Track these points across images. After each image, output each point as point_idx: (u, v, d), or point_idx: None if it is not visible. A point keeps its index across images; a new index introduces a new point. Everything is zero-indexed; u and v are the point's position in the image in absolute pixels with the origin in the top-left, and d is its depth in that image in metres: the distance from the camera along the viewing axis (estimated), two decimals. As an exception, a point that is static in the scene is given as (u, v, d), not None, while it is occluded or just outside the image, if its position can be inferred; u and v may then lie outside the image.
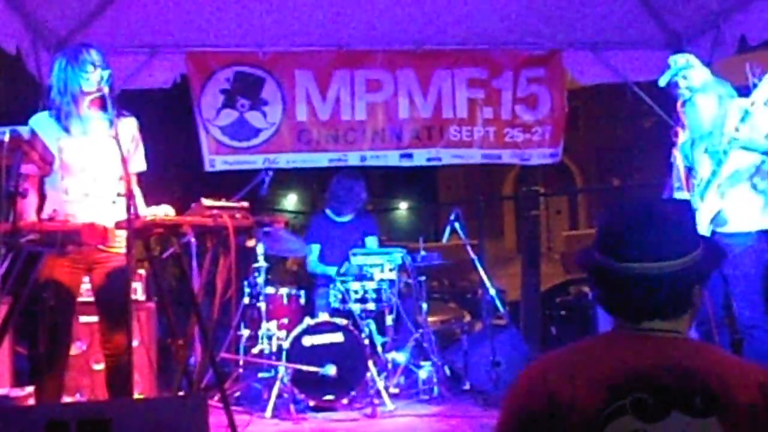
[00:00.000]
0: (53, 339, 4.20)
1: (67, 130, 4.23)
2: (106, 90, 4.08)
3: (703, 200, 4.57)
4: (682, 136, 4.70)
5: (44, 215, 4.08)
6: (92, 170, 4.24)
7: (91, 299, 4.45)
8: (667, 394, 1.76)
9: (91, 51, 4.21)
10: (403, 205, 31.47)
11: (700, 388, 1.76)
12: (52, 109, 4.26)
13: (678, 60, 4.79)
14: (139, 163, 4.51)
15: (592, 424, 1.77)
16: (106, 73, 4.11)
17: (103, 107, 4.24)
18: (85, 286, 4.43)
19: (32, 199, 4.14)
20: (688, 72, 4.72)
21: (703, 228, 4.55)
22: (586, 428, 1.77)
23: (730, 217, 4.54)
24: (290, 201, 30.15)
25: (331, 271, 6.76)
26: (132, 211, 3.68)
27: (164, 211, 4.10)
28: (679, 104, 4.72)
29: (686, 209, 2.02)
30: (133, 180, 4.21)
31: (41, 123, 4.24)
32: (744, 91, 4.58)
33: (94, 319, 4.87)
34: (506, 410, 1.94)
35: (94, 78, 4.15)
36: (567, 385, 1.81)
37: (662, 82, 4.89)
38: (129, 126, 4.40)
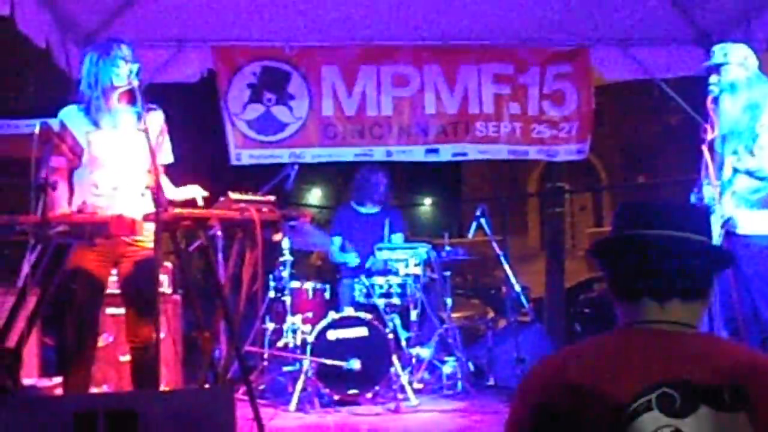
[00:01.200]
0: (82, 330, 4.23)
1: (96, 123, 4.27)
2: (135, 83, 4.11)
3: (720, 202, 4.55)
4: (711, 133, 4.66)
5: (74, 207, 4.11)
6: (121, 164, 4.28)
7: (118, 291, 4.48)
8: (694, 389, 1.71)
9: (122, 46, 4.25)
10: (427, 201, 31.42)
11: (728, 383, 1.71)
12: (81, 103, 4.30)
13: (717, 53, 4.70)
14: (166, 156, 4.55)
15: (616, 420, 1.70)
16: (135, 67, 4.15)
17: (132, 101, 4.28)
18: (112, 278, 4.47)
19: (63, 191, 4.17)
20: (723, 68, 4.65)
21: (716, 227, 4.54)
22: (610, 424, 1.71)
23: (742, 223, 4.51)
24: (314, 195, 30.18)
25: (350, 258, 6.79)
26: (160, 203, 3.70)
27: (194, 192, 4.14)
28: (708, 100, 4.67)
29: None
30: (161, 171, 4.25)
31: (70, 116, 4.27)
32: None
33: (121, 311, 4.91)
34: (521, 404, 1.89)
35: (123, 72, 4.19)
36: (590, 378, 1.76)
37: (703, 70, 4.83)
38: (156, 119, 4.43)
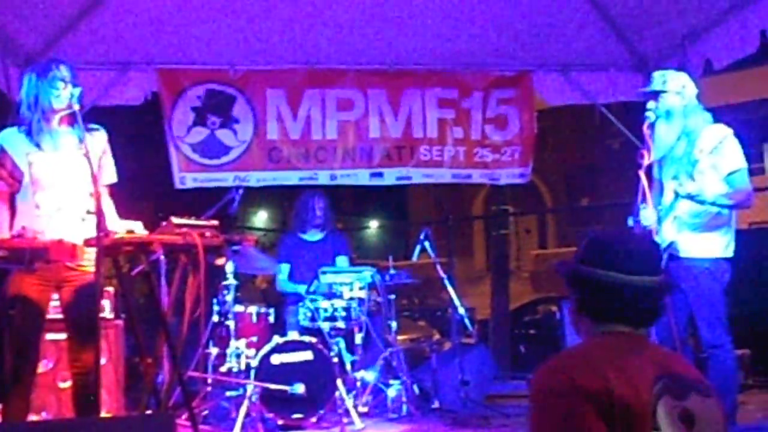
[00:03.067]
0: (20, 356, 4.16)
1: (38, 145, 4.22)
2: (76, 107, 4.07)
3: (661, 225, 4.65)
4: (647, 158, 4.75)
5: (14, 231, 4.05)
6: (63, 185, 4.23)
7: (58, 316, 4.42)
8: (682, 379, 2.09)
9: (61, 67, 4.20)
10: (373, 224, 31.47)
11: (701, 377, 2.17)
12: (22, 125, 4.25)
13: (656, 80, 4.80)
14: (110, 175, 4.50)
15: (642, 405, 2.00)
16: (76, 91, 4.11)
17: (73, 123, 4.24)
18: (53, 303, 4.40)
19: (3, 216, 4.12)
20: (661, 95, 4.76)
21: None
22: (636, 409, 1.99)
23: (684, 247, 4.62)
24: (260, 218, 30.03)
25: (301, 289, 6.77)
26: (101, 228, 3.67)
27: (132, 227, 4.09)
28: (644, 126, 4.77)
29: (653, 239, 2.38)
30: (105, 192, 4.22)
31: (10, 138, 4.23)
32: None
33: (61, 336, 4.84)
34: (553, 416, 2.06)
35: (64, 95, 4.15)
36: (597, 378, 2.01)
37: (636, 97, 4.93)
38: (99, 139, 4.39)
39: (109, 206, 4.20)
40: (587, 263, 2.26)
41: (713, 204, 4.54)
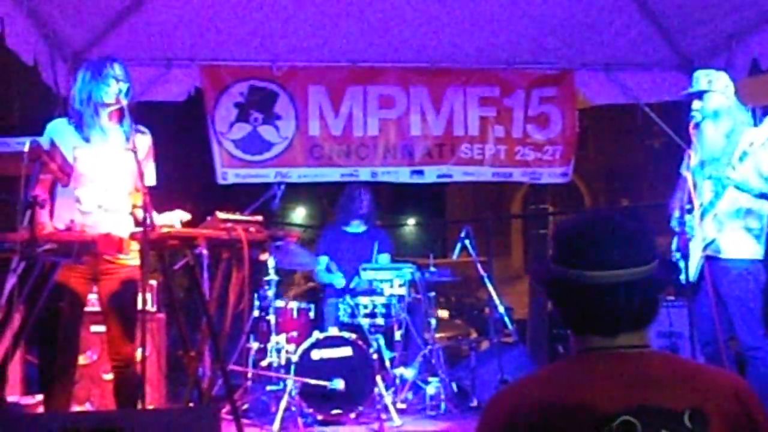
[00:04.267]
0: (63, 348, 4.22)
1: (86, 139, 4.28)
2: (124, 103, 4.14)
3: (701, 226, 4.60)
4: (694, 158, 4.71)
5: (57, 222, 4.09)
6: (105, 182, 4.28)
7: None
8: (654, 414, 1.71)
9: (114, 65, 4.27)
10: (411, 221, 31.42)
11: (687, 404, 1.72)
12: (72, 118, 4.31)
13: (701, 80, 4.76)
14: (149, 178, 4.54)
15: None
16: (125, 87, 4.18)
17: (120, 120, 4.30)
18: (94, 295, 4.46)
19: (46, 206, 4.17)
20: (706, 95, 4.71)
21: (697, 251, 4.61)
22: None
23: (724, 247, 4.58)
24: (299, 214, 30.11)
25: (336, 279, 6.81)
26: (148, 222, 3.71)
27: (177, 216, 4.14)
28: (691, 126, 4.72)
29: (642, 222, 1.92)
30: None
31: (59, 129, 4.28)
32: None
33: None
34: (488, 428, 1.86)
35: (112, 91, 4.21)
36: (559, 407, 1.75)
37: (681, 97, 4.88)
38: (144, 141, 4.44)
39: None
40: (557, 262, 1.90)
41: (760, 195, 4.49)
